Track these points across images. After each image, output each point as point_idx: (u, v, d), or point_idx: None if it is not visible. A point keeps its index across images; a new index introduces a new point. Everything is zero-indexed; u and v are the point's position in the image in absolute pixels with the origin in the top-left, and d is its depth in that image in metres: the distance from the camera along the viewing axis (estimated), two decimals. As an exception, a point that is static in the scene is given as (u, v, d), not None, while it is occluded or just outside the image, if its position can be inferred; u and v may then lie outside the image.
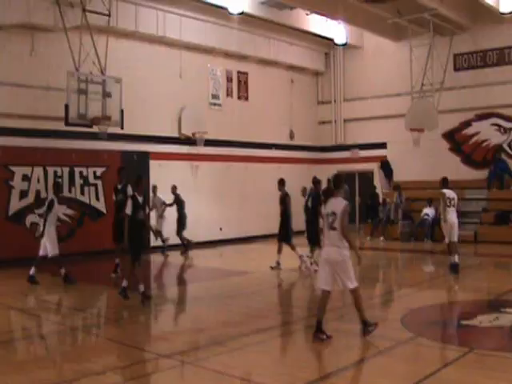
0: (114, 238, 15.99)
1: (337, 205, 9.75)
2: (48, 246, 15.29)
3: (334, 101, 30.09)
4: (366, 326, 9.65)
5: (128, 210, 12.95)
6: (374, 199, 26.54)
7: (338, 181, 10.40)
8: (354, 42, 28.48)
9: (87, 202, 20.61)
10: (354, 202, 28.60)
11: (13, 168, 19.14)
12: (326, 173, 27.73)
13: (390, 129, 26.97)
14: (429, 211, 23.82)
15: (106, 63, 18.97)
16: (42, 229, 15.47)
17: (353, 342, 9.79)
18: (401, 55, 26.23)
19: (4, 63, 18.86)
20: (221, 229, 23.52)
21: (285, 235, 17.60)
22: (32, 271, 15.40)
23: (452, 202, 15.78)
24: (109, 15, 19.40)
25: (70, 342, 10.67)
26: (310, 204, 17.48)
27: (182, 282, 17.57)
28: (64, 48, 18.48)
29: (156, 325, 12.03)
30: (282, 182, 17.68)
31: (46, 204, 15.43)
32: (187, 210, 20.80)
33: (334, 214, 9.65)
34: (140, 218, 13.10)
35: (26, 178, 19.39)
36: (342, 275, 9.52)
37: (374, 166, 27.93)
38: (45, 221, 15.29)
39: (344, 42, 27.25)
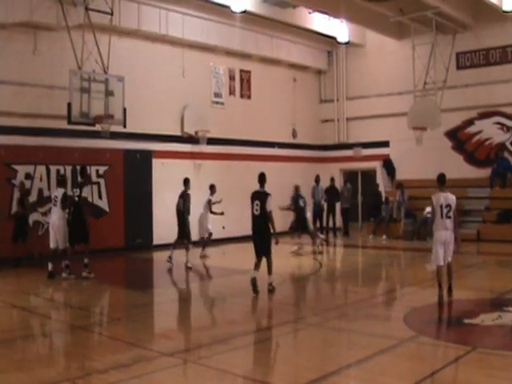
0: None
1: (450, 199, 12.36)
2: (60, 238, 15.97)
3: (337, 99, 30.07)
4: (450, 291, 12.57)
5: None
6: (376, 198, 26.52)
7: (443, 179, 12.67)
8: (357, 40, 28.45)
9: (90, 200, 20.58)
10: (357, 200, 28.64)
11: (15, 166, 19.15)
12: (328, 171, 27.89)
13: (393, 127, 26.96)
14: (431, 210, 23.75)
15: (108, 62, 19.03)
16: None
17: (355, 340, 9.81)
18: (403, 54, 26.21)
19: (7, 62, 18.87)
20: (223, 227, 23.51)
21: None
22: (50, 267, 15.86)
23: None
24: (111, 14, 19.43)
25: (72, 340, 10.66)
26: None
27: (184, 280, 17.56)
28: (67, 47, 18.56)
29: (159, 323, 12.03)
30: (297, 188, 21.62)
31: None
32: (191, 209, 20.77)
33: (449, 206, 12.27)
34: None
35: (28, 176, 19.40)
36: (448, 253, 12.37)
37: (377, 165, 27.92)
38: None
39: (346, 40, 27.22)
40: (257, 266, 13.61)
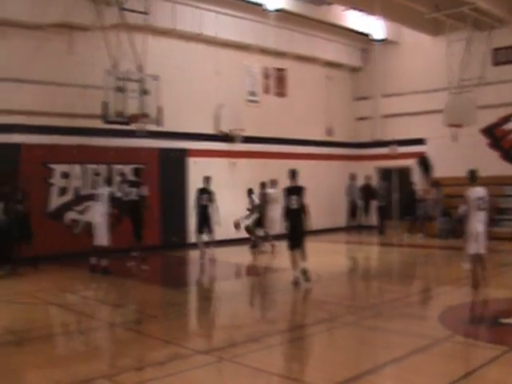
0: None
1: (483, 192, 12.66)
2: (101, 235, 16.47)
3: (372, 97, 29.91)
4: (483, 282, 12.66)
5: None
6: (412, 196, 26.30)
7: (474, 175, 12.96)
8: (392, 37, 28.28)
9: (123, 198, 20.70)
10: (392, 198, 28.46)
11: (52, 166, 19.38)
12: (363, 169, 27.78)
13: (428, 124, 26.70)
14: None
15: (143, 61, 19.12)
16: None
17: (390, 339, 9.75)
18: (439, 50, 25.93)
19: (43, 62, 19.07)
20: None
21: None
22: (105, 263, 16.36)
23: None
24: (146, 13, 19.54)
25: (108, 337, 10.79)
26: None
27: (220, 277, 17.63)
28: (102, 46, 18.69)
29: (194, 321, 12.10)
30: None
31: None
32: (224, 207, 20.81)
33: (482, 198, 12.54)
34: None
35: (65, 175, 19.62)
36: (481, 245, 12.59)
37: (412, 163, 27.70)
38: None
39: (381, 37, 27.11)
40: (296, 262, 14.18)
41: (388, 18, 25.27)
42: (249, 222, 21.28)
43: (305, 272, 14.15)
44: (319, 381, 7.70)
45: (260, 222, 21.25)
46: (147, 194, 18.02)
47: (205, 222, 19.32)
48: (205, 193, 19.38)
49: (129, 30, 19.07)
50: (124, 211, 18.19)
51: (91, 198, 18.18)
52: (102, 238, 16.41)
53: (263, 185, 21.22)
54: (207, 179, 19.71)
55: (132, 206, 17.73)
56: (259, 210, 21.18)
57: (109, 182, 17.66)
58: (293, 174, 14.35)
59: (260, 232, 21.32)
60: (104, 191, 16.81)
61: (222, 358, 8.64)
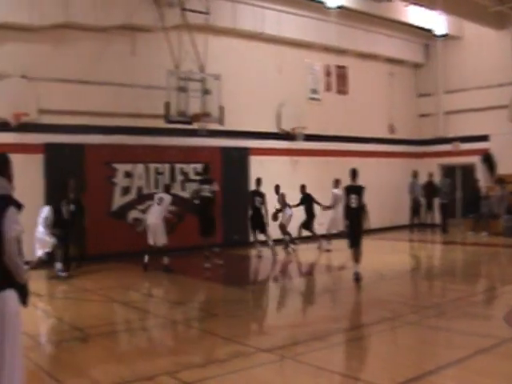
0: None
1: None
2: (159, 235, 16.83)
3: (435, 93, 29.55)
4: None
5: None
6: (476, 193, 25.91)
7: None
8: (454, 32, 27.92)
9: (188, 197, 20.85)
10: (456, 196, 28.10)
11: (115, 165, 19.66)
12: (426, 167, 27.49)
13: (493, 120, 26.24)
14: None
15: (204, 61, 19.27)
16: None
17: (453, 339, 9.64)
18: (503, 44, 25.56)
19: (107, 64, 19.37)
20: (321, 224, 23.48)
21: None
22: (166, 261, 16.73)
23: None
24: (207, 13, 19.68)
25: (170, 334, 10.91)
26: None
27: (283, 276, 17.65)
28: (164, 47, 18.95)
29: (255, 319, 12.11)
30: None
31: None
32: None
33: None
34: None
35: (128, 174, 19.89)
36: None
37: (476, 159, 27.29)
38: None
39: (444, 32, 26.80)
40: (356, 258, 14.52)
41: (450, 12, 24.96)
42: (283, 220, 21.06)
43: (357, 275, 14.40)
44: (380, 380, 7.66)
45: (307, 224, 21.18)
46: (218, 190, 18.20)
47: (259, 223, 19.45)
48: (257, 195, 19.58)
49: (190, 30, 19.25)
50: (194, 209, 18.40)
51: (153, 197, 18.48)
52: (160, 237, 16.75)
53: (337, 182, 20.96)
54: (258, 181, 19.94)
55: (205, 202, 17.71)
56: (309, 212, 21.10)
57: (167, 189, 18.03)
58: (353, 173, 14.55)
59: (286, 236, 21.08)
60: (163, 196, 17.29)
61: (283, 356, 8.66)
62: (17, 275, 5.86)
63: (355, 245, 14.50)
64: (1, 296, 5.78)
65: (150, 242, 16.83)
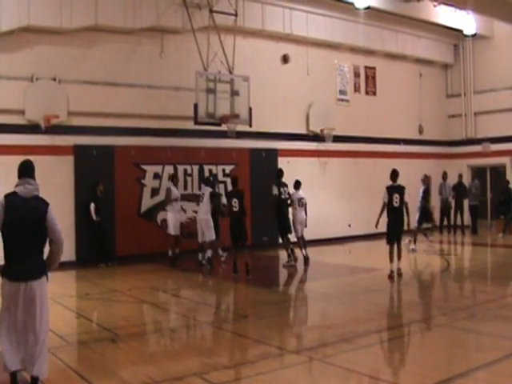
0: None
1: None
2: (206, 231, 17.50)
3: (464, 94, 29.31)
4: None
5: None
6: (506, 194, 25.67)
7: None
8: (484, 32, 27.70)
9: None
10: (486, 197, 27.87)
11: (144, 167, 19.75)
12: (456, 168, 27.29)
13: (523, 121, 26.09)
14: None
15: (233, 62, 19.30)
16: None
17: (484, 342, 9.55)
18: (534, 44, 25.33)
19: (136, 66, 19.52)
20: (350, 225, 23.42)
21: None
22: (209, 254, 17.80)
23: None
24: (236, 15, 19.72)
25: (200, 335, 10.96)
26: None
27: (310, 278, 17.60)
28: (192, 49, 19.00)
29: (285, 320, 12.08)
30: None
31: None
32: (315, 206, 20.66)
33: None
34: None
35: (157, 176, 19.96)
36: None
37: (507, 160, 27.04)
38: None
39: (473, 32, 26.59)
40: (393, 256, 15.28)
41: (480, 11, 24.70)
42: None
43: (398, 270, 15.10)
44: (410, 383, 7.63)
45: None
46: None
47: (285, 225, 19.12)
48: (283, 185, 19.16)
49: (218, 32, 19.29)
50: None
51: (182, 198, 18.58)
52: (207, 232, 17.38)
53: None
54: (281, 173, 19.49)
55: (236, 217, 17.39)
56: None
57: (207, 181, 18.58)
58: (393, 173, 15.41)
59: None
60: (205, 191, 17.76)
61: (312, 358, 8.65)
62: (57, 261, 7.22)
63: (395, 240, 15.32)
64: (40, 281, 7.02)
65: (199, 239, 17.57)
